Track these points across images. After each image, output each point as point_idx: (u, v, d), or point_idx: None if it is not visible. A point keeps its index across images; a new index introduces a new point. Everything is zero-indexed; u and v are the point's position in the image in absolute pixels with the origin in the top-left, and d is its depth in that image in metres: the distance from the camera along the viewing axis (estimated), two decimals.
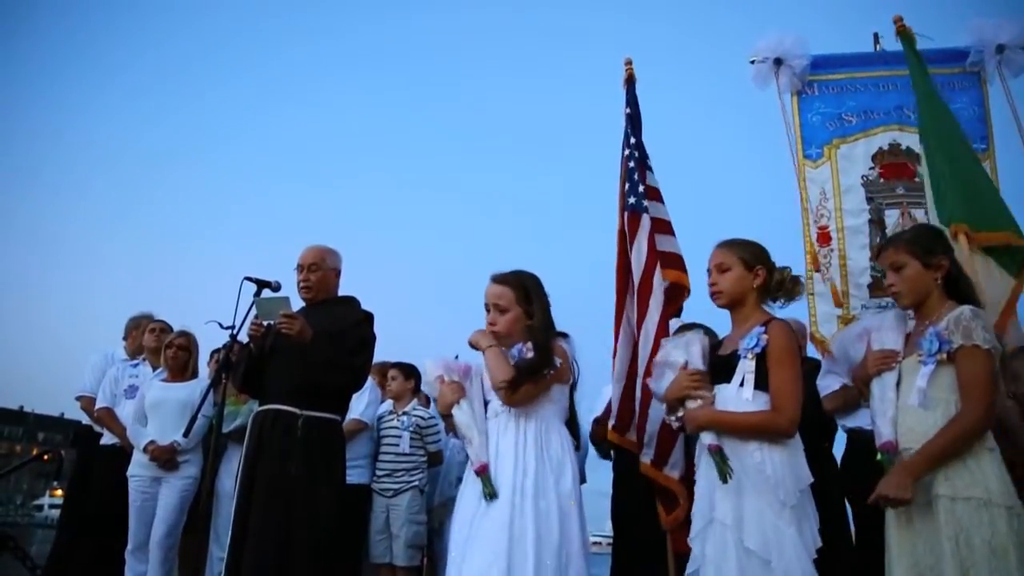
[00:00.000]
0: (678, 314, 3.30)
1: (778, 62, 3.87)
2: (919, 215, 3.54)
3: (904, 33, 3.49)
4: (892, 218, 3.59)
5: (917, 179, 3.57)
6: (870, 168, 3.72)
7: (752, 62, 3.93)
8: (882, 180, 3.66)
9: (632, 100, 3.57)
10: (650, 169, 3.45)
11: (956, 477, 1.97)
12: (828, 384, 3.06)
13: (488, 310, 2.54)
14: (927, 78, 3.34)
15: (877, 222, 3.63)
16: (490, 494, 2.30)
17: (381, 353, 4.79)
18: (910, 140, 3.65)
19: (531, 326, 2.49)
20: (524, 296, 2.52)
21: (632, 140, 3.43)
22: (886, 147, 3.72)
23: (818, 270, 3.53)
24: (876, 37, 3.93)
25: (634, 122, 3.49)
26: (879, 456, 2.14)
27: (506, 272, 2.59)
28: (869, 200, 3.68)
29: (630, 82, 3.60)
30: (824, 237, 3.73)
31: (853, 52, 3.95)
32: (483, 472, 2.36)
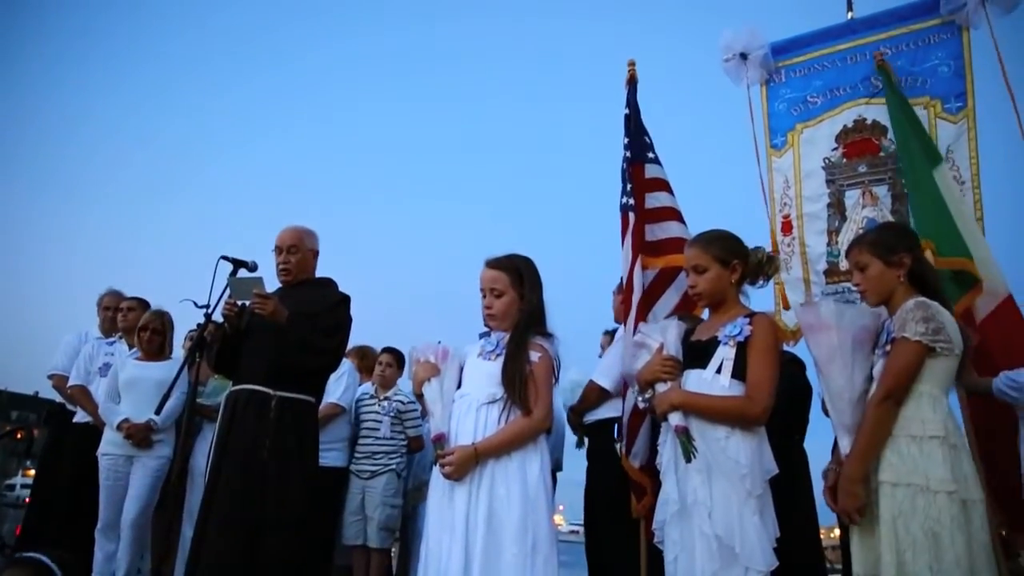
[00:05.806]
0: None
1: (743, 56, 3.91)
2: (881, 192, 3.54)
3: (883, 68, 3.43)
4: (852, 199, 3.59)
5: (882, 153, 3.55)
6: (833, 149, 3.68)
7: (726, 60, 3.96)
8: (845, 160, 3.62)
9: (631, 101, 3.47)
10: (652, 162, 3.41)
11: (898, 464, 2.03)
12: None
13: (484, 295, 2.54)
14: (906, 105, 3.29)
15: (836, 204, 3.63)
16: (441, 456, 2.36)
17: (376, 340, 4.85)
18: (876, 112, 3.55)
19: (522, 309, 2.49)
20: (518, 279, 2.52)
21: (626, 140, 3.40)
22: (850, 124, 3.65)
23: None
24: (849, 3, 3.81)
25: (628, 123, 3.44)
26: None
27: (500, 256, 2.57)
28: (830, 183, 3.67)
29: (631, 83, 3.51)
30: (787, 226, 3.77)
31: (820, 28, 3.83)
32: (438, 440, 2.40)
